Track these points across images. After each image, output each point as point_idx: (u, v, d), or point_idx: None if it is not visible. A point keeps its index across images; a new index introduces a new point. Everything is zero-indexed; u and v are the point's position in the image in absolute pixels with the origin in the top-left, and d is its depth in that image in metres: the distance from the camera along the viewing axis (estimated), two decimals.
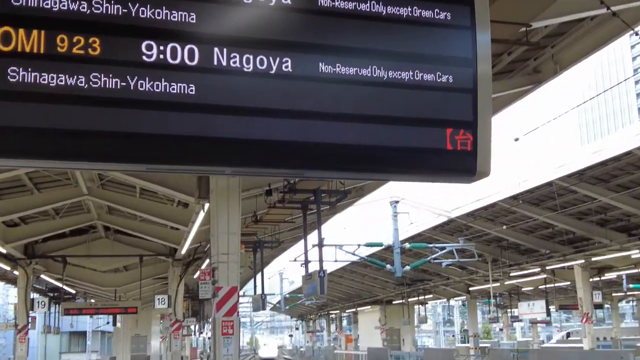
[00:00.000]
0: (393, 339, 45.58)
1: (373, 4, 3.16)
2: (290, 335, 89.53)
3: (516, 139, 11.94)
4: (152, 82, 2.81)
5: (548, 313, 30.80)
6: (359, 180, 14.34)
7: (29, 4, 2.72)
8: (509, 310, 43.32)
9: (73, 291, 27.39)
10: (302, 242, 21.57)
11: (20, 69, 2.67)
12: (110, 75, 2.77)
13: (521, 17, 5.11)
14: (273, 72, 2.97)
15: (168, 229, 17.22)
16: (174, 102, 2.84)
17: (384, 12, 3.17)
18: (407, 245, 22.97)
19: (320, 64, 3.05)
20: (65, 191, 14.30)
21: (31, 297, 19.43)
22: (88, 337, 64.96)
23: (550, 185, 18.03)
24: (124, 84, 2.78)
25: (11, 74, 2.66)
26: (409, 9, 3.20)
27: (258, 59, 2.96)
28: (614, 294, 40.95)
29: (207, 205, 11.09)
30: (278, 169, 3.11)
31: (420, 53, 3.20)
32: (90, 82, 2.74)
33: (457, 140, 3.22)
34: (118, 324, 27.84)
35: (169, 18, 2.86)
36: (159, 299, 19.94)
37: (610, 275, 28.39)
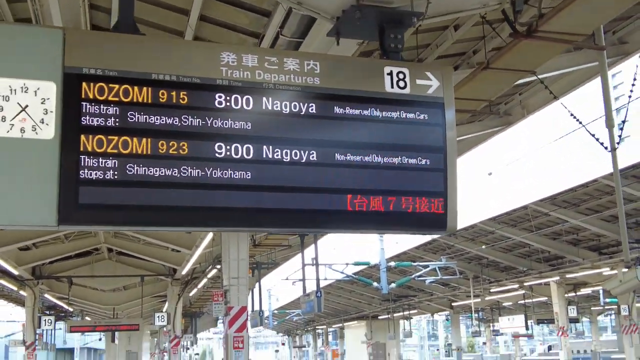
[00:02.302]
0: (379, 354, 46.59)
1: (372, 110, 4.42)
2: (277, 351, 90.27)
3: (489, 174, 13.24)
4: (222, 171, 4.02)
5: (527, 327, 32.12)
6: None
7: (139, 120, 3.95)
8: (492, 324, 44.75)
9: (71, 309, 28.37)
10: (291, 261, 22.87)
11: (135, 165, 3.86)
12: (194, 167, 3.97)
13: (485, 95, 6.42)
14: (304, 161, 4.21)
15: (169, 251, 18.36)
16: (236, 185, 4.04)
17: (380, 115, 4.43)
18: (392, 263, 24.26)
19: (336, 154, 4.30)
20: None
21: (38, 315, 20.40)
22: (76, 354, 65.35)
23: (525, 209, 19.42)
24: (203, 173, 3.98)
25: (129, 168, 3.86)
26: (398, 113, 4.46)
27: (293, 152, 4.19)
28: (592, 308, 42.43)
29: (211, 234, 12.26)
30: (306, 228, 4.37)
31: (406, 144, 4.45)
32: (181, 173, 3.95)
33: (434, 205, 4.50)
34: (116, 341, 28.81)
35: (233, 126, 4.10)
36: (158, 316, 21.06)
37: (585, 291, 29.81)
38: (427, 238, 24.49)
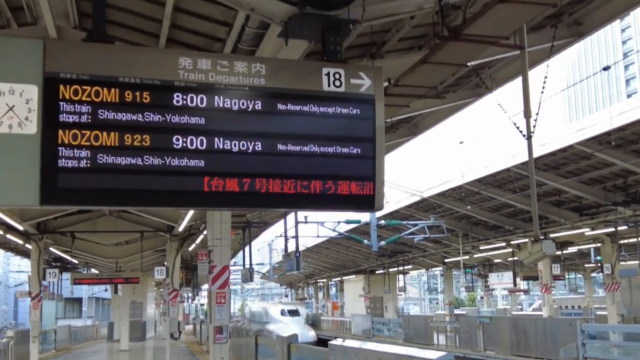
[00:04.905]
0: (376, 307, 47.85)
1: (311, 106, 5.12)
2: (280, 302, 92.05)
3: (461, 142, 13.90)
4: (179, 160, 4.73)
5: (515, 283, 33.14)
6: None
7: (108, 117, 4.67)
8: (486, 280, 45.84)
9: (76, 261, 29.39)
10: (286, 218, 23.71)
11: (104, 155, 4.58)
12: (155, 157, 4.68)
13: (428, 83, 7.10)
14: (250, 151, 4.92)
15: (166, 208, 19.20)
16: (191, 171, 4.79)
17: (318, 110, 5.14)
18: (382, 222, 25.09)
19: (278, 144, 5.02)
20: None
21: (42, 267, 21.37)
22: (84, 303, 66.93)
23: (508, 171, 20.14)
24: (163, 161, 4.69)
25: (99, 158, 4.59)
26: (334, 108, 5.16)
27: (241, 143, 4.90)
28: (586, 265, 43.36)
29: None
30: (255, 207, 5.14)
31: (340, 135, 5.15)
32: (144, 161, 4.70)
33: (364, 187, 5.25)
34: (119, 292, 29.94)
35: (189, 121, 4.82)
36: (157, 270, 22.06)
37: (572, 249, 30.72)
38: (417, 198, 25.32)
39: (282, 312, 34.93)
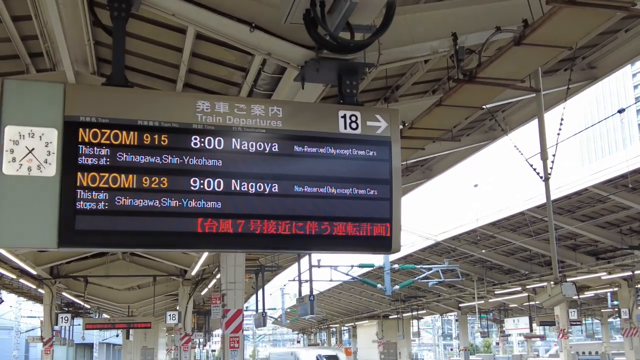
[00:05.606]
0: (390, 352, 47.15)
1: (327, 148, 5.14)
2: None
3: (475, 185, 13.88)
4: (196, 201, 4.73)
5: (531, 329, 32.63)
6: None
7: (127, 159, 4.70)
8: (502, 325, 45.15)
9: (88, 306, 29.27)
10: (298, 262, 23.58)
11: (122, 197, 4.58)
12: (172, 198, 4.68)
13: (443, 126, 7.14)
14: (267, 192, 4.92)
15: (179, 252, 19.16)
16: (209, 213, 4.79)
17: (335, 152, 5.14)
18: (396, 266, 24.90)
19: (295, 186, 5.02)
20: None
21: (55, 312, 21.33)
22: (95, 348, 66.45)
23: (523, 214, 20.01)
24: (180, 203, 4.70)
25: (117, 200, 4.60)
26: (350, 150, 5.17)
27: (257, 185, 4.90)
28: (603, 310, 42.66)
29: None
30: (270, 249, 5.13)
31: (357, 177, 5.16)
32: (161, 203, 4.71)
33: (381, 229, 5.22)
34: (131, 337, 29.71)
35: (206, 164, 4.83)
36: (169, 314, 21.92)
37: (589, 294, 30.27)
38: (431, 241, 25.15)
39: (319, 359, 27.91)
